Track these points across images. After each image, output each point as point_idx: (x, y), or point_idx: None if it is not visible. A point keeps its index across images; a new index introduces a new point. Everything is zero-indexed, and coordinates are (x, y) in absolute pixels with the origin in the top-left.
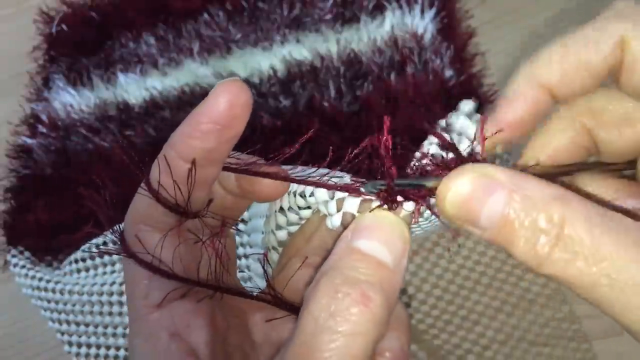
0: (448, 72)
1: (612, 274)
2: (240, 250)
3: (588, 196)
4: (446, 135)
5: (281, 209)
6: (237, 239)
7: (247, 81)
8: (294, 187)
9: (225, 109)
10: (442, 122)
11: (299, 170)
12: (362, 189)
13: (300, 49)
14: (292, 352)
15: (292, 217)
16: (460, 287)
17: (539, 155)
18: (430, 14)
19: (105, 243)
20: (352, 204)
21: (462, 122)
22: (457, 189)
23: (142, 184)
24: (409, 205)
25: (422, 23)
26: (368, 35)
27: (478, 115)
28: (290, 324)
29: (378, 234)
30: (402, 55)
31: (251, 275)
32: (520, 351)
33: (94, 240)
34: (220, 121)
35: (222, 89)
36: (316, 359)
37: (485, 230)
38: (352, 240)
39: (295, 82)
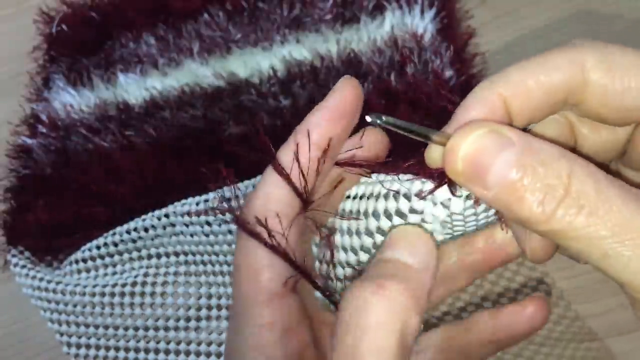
0: (448, 72)
1: (617, 226)
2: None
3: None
4: None
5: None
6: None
7: (247, 81)
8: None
9: (354, 100)
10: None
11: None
12: (368, 118)
13: (300, 49)
14: (334, 355)
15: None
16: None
17: None
18: (430, 14)
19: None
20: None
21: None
22: (470, 143)
23: (271, 167)
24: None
25: (422, 23)
26: (368, 36)
27: None
28: None
29: (402, 244)
30: (402, 55)
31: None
32: (524, 348)
33: (95, 242)
34: (351, 110)
35: (348, 83)
36: (345, 356)
37: (492, 189)
38: (380, 252)
39: (295, 82)
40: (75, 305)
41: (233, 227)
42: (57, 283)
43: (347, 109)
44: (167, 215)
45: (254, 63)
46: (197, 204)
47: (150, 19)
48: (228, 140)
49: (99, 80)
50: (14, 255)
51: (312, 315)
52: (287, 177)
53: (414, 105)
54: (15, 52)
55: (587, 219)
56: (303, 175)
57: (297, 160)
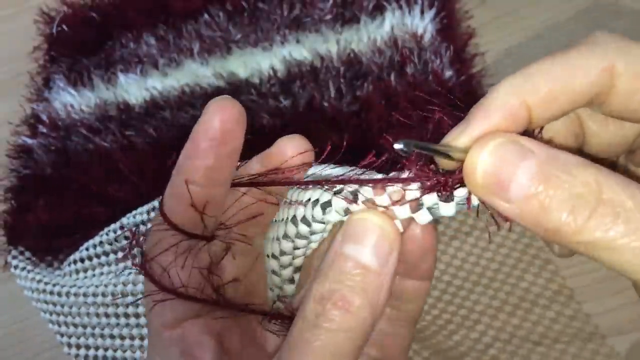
0: (448, 73)
1: None
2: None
3: None
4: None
5: (293, 218)
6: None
7: (247, 81)
8: (313, 195)
9: (217, 126)
10: None
11: (322, 169)
12: (398, 145)
13: (300, 49)
14: (285, 348)
15: (303, 229)
16: (459, 288)
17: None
18: (430, 14)
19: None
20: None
21: None
22: (489, 156)
23: (157, 212)
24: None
25: (422, 23)
26: (368, 36)
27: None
28: None
29: (364, 238)
30: (402, 56)
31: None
32: (525, 350)
33: (91, 241)
34: (215, 137)
35: (213, 108)
36: (303, 352)
37: (515, 202)
38: (340, 244)
39: (295, 82)
40: (74, 307)
41: None
42: (55, 285)
43: (216, 131)
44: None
45: (254, 63)
46: None
47: (150, 19)
48: None
49: (99, 80)
50: (14, 257)
51: (228, 334)
52: (170, 222)
53: (413, 105)
54: (15, 52)
55: (624, 228)
56: (198, 209)
57: (179, 200)
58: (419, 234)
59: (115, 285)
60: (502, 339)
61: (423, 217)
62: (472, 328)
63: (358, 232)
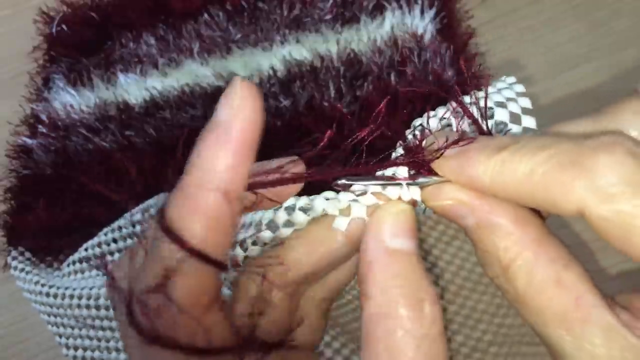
0: (448, 72)
1: (531, 320)
2: None
3: None
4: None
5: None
6: None
7: None
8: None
9: (252, 113)
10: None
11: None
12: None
13: (300, 49)
14: None
15: (299, 217)
16: (460, 287)
17: None
18: (430, 14)
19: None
20: (360, 209)
21: (505, 93)
22: (441, 206)
23: (156, 230)
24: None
25: (422, 23)
26: (368, 36)
27: (521, 88)
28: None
29: (407, 229)
30: (402, 55)
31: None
32: (524, 350)
33: (90, 242)
34: (252, 130)
35: (241, 91)
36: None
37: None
38: (385, 240)
39: (295, 82)
40: (72, 309)
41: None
42: (52, 286)
43: (251, 117)
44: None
45: (254, 63)
46: None
47: (150, 19)
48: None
49: (99, 80)
50: (14, 258)
51: None
52: (196, 253)
53: (413, 105)
54: (15, 52)
55: (512, 301)
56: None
57: (195, 214)
58: None
59: None
60: (500, 341)
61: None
62: (474, 327)
63: (403, 224)
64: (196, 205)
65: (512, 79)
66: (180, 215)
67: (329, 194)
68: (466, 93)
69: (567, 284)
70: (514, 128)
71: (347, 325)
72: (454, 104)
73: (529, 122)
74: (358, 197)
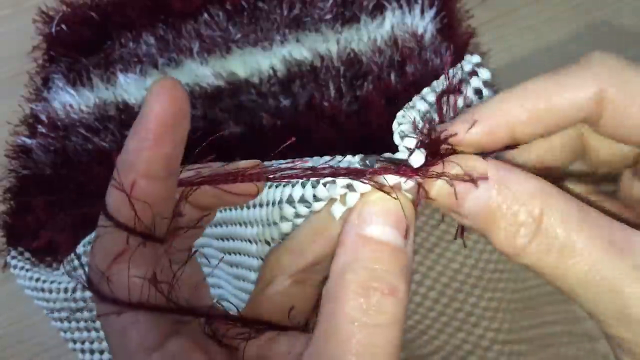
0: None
1: (582, 270)
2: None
3: (568, 191)
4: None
5: (289, 199)
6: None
7: (247, 81)
8: (294, 192)
9: (169, 105)
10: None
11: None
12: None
13: (300, 49)
14: (326, 353)
15: (302, 209)
16: (458, 289)
17: (531, 151)
18: (430, 13)
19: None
20: (353, 197)
21: (476, 82)
22: (442, 184)
23: (102, 219)
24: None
25: (422, 23)
26: (368, 35)
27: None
28: (278, 343)
29: (387, 217)
30: (402, 55)
31: (223, 292)
32: (523, 350)
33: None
34: (169, 120)
35: (157, 88)
36: (356, 354)
37: (467, 219)
38: (361, 227)
39: (295, 82)
40: (76, 302)
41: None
42: (53, 282)
43: (168, 113)
44: None
45: (254, 63)
46: None
47: (150, 18)
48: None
49: (99, 80)
50: (13, 257)
51: (207, 344)
52: (122, 225)
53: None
54: (14, 52)
55: (555, 259)
56: (137, 214)
57: (125, 199)
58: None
59: None
60: (500, 340)
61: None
62: (470, 331)
63: (382, 212)
64: (118, 185)
65: (476, 58)
66: (109, 196)
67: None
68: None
69: (595, 216)
70: (475, 82)
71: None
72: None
73: (485, 74)
74: (353, 184)
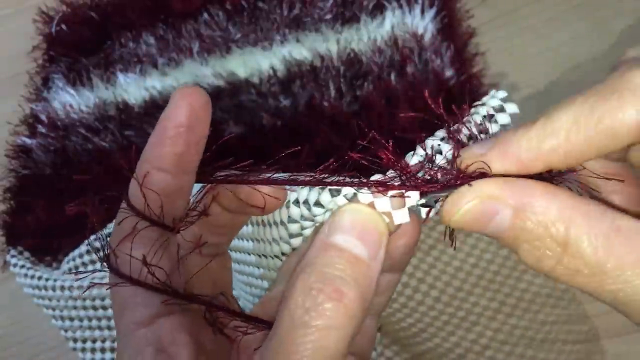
0: (448, 72)
1: (614, 289)
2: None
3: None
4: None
5: (289, 218)
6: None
7: (247, 81)
8: (300, 195)
9: (186, 111)
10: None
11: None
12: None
13: (300, 49)
14: (270, 348)
15: (307, 224)
16: (458, 289)
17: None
18: (430, 13)
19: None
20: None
21: (495, 104)
22: (464, 213)
23: (123, 203)
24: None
25: (422, 23)
26: (368, 35)
27: (514, 107)
28: None
29: (353, 228)
30: (402, 55)
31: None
32: (520, 349)
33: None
34: (184, 123)
35: (181, 95)
36: (292, 352)
37: (494, 236)
38: (328, 235)
39: (295, 82)
40: (76, 300)
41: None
42: (56, 280)
43: (185, 117)
44: None
45: (254, 63)
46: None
47: (150, 18)
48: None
49: (99, 80)
50: (13, 256)
51: (200, 330)
52: (135, 209)
53: (413, 104)
54: (14, 52)
55: (585, 279)
56: (148, 205)
57: (142, 191)
58: (409, 229)
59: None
60: (499, 339)
61: (402, 216)
62: (469, 329)
63: (348, 223)
64: (148, 183)
65: (502, 94)
66: (131, 184)
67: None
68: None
69: (627, 227)
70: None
71: (397, 334)
72: (446, 132)
73: (512, 108)
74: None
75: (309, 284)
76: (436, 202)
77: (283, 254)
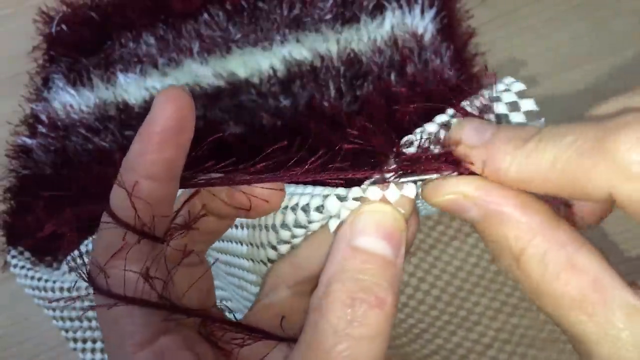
0: (448, 72)
1: (554, 315)
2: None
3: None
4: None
5: (282, 224)
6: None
7: (247, 81)
8: (297, 201)
9: (174, 114)
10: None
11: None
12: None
13: (300, 49)
14: None
15: (298, 231)
16: (459, 288)
17: None
18: (430, 14)
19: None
20: (346, 211)
21: (509, 99)
22: (442, 200)
23: (104, 216)
24: (410, 191)
25: (422, 23)
26: (368, 35)
27: (531, 104)
28: (272, 352)
29: (378, 229)
30: (402, 55)
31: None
32: (522, 349)
33: (91, 238)
34: (173, 126)
35: (166, 97)
36: None
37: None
38: (352, 238)
39: (295, 82)
40: (76, 301)
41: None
42: (56, 281)
43: (173, 119)
44: None
45: (254, 63)
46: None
47: (150, 19)
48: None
49: (99, 80)
50: (13, 256)
51: (195, 344)
52: (122, 222)
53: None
54: (14, 52)
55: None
56: (139, 216)
57: (131, 201)
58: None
59: None
60: (501, 339)
61: (410, 190)
62: (471, 329)
63: (372, 225)
64: (121, 185)
65: (510, 80)
66: (113, 194)
67: (340, 190)
68: (467, 94)
69: (582, 266)
70: (516, 117)
71: (402, 348)
72: (452, 110)
73: (528, 105)
74: (343, 200)
75: (349, 293)
76: (416, 183)
77: (270, 260)
